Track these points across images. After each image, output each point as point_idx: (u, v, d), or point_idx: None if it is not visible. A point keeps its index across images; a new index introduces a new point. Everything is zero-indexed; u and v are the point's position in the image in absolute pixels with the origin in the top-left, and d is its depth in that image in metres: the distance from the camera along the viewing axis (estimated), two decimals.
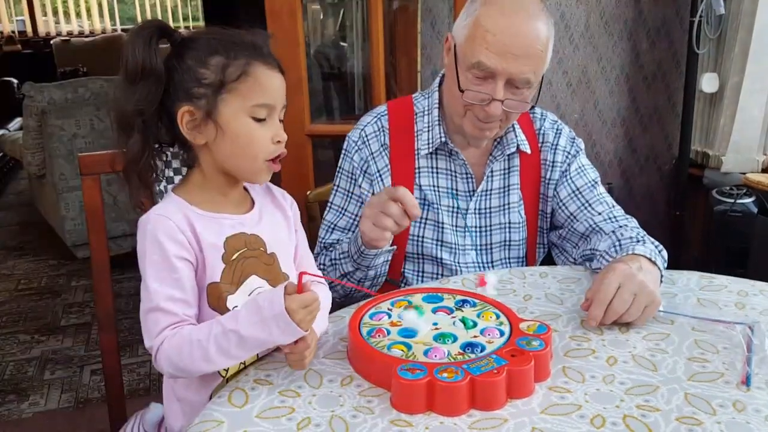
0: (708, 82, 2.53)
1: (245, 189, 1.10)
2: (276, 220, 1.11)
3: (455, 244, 1.41)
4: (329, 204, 1.46)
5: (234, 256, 1.02)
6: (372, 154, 1.41)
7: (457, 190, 1.41)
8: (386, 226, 1.17)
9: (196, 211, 1.01)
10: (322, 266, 1.40)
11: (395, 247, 1.33)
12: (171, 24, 6.96)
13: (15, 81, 6.17)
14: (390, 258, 1.36)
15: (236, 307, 1.00)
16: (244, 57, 0.98)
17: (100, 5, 7.65)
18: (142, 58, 0.95)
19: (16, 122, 5.42)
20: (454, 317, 1.06)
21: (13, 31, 7.22)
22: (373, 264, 1.31)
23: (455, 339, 0.99)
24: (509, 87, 1.26)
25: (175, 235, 0.97)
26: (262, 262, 1.06)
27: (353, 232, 1.41)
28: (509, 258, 1.46)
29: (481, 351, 0.96)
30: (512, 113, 1.30)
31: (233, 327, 0.92)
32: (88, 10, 7.67)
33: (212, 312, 1.00)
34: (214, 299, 1.00)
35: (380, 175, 1.41)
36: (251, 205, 1.09)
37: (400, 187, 1.16)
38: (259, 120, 0.99)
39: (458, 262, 1.41)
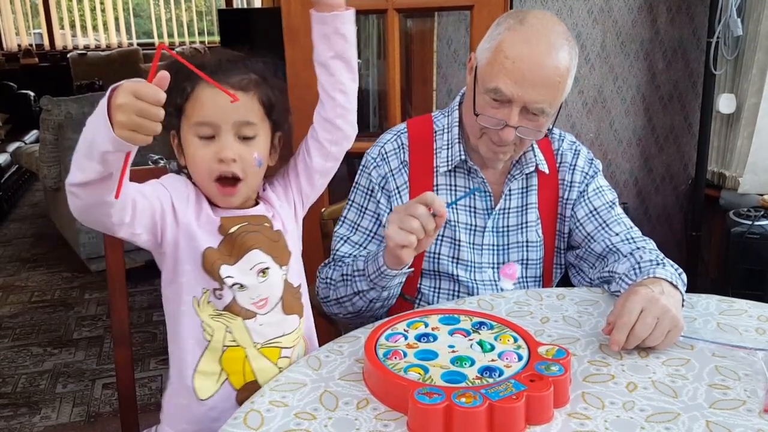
0: (725, 103, 2.52)
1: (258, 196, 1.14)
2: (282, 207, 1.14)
3: (471, 261, 1.41)
4: (342, 218, 1.46)
5: (233, 229, 1.05)
6: (391, 170, 1.41)
7: (475, 207, 1.41)
8: (412, 227, 1.12)
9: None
10: (329, 279, 1.39)
11: (412, 269, 1.32)
12: (186, 39, 6.98)
13: (32, 94, 6.24)
14: (404, 280, 1.36)
15: (229, 276, 1.04)
16: (196, 79, 1.00)
17: (116, 19, 7.74)
18: None
19: (33, 135, 5.49)
20: (471, 340, 1.05)
21: (30, 45, 7.32)
22: (388, 285, 1.30)
23: (473, 362, 0.98)
24: (524, 114, 1.26)
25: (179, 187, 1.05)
26: (266, 236, 1.08)
27: (365, 248, 1.42)
28: (526, 277, 1.45)
29: (500, 375, 0.95)
30: (526, 139, 1.31)
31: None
32: (105, 24, 7.76)
33: (204, 275, 1.04)
34: (208, 264, 1.04)
35: (399, 192, 1.41)
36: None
37: (427, 192, 1.15)
38: (204, 138, 1.01)
39: (475, 280, 1.41)
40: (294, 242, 1.15)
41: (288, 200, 1.17)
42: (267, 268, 1.07)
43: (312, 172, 1.17)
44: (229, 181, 1.03)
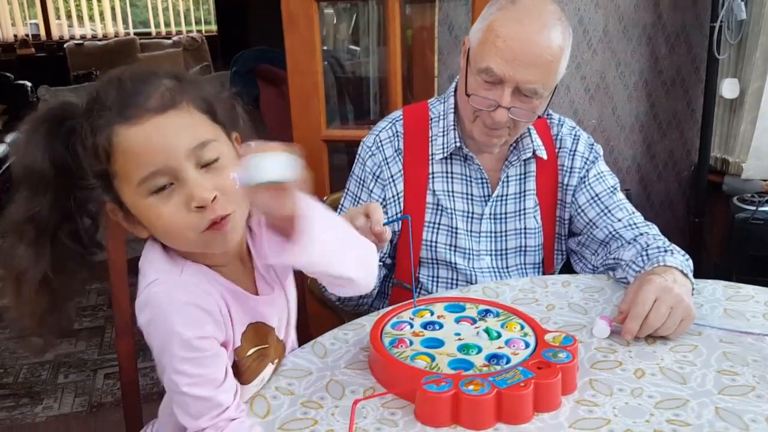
0: (728, 88, 2.50)
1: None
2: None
3: (469, 249, 1.40)
4: (340, 206, 1.46)
5: (250, 352, 0.89)
6: (386, 159, 1.40)
7: (471, 195, 1.40)
8: None
9: (220, 281, 0.85)
10: None
11: (380, 265, 1.32)
12: (183, 28, 6.87)
13: (29, 84, 6.21)
14: (380, 274, 1.35)
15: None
16: (105, 127, 0.75)
17: (113, 9, 7.68)
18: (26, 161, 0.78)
19: None
20: (477, 327, 1.04)
21: (26, 35, 7.26)
22: None
23: (480, 350, 0.98)
24: (517, 95, 1.24)
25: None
26: (276, 351, 0.97)
27: None
28: (525, 264, 1.44)
29: (507, 363, 0.94)
30: (520, 122, 1.28)
31: None
32: (101, 14, 7.71)
33: None
34: None
35: (393, 180, 1.39)
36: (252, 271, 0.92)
37: (372, 203, 1.13)
38: (161, 191, 0.77)
39: (473, 268, 1.40)
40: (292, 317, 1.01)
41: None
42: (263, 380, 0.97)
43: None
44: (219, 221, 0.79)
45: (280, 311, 0.95)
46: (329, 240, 0.80)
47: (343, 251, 0.85)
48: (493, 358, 0.96)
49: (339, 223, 0.86)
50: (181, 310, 0.80)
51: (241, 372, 0.89)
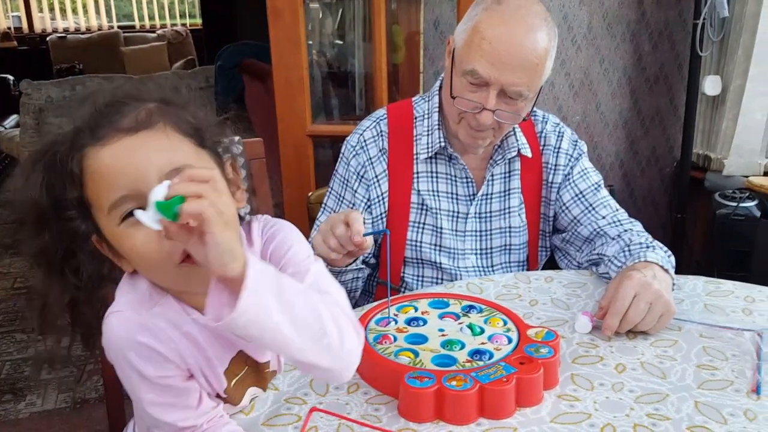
0: (711, 85, 2.52)
1: None
2: None
3: (454, 248, 1.40)
4: (323, 205, 1.45)
5: (233, 382, 0.84)
6: (370, 159, 1.39)
7: (456, 194, 1.40)
8: (330, 245, 1.13)
9: (201, 320, 0.72)
10: None
11: (363, 267, 1.32)
12: (167, 21, 6.80)
13: (11, 78, 6.14)
14: (362, 276, 1.35)
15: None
16: (79, 150, 0.70)
17: (96, 2, 7.61)
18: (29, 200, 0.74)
19: (12, 119, 5.40)
20: (460, 323, 1.05)
21: (8, 27, 7.18)
22: (340, 280, 1.27)
23: (463, 346, 0.98)
24: (502, 97, 1.24)
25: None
26: (261, 373, 0.89)
27: None
28: (510, 262, 1.44)
29: (489, 358, 0.95)
30: (505, 124, 1.28)
31: None
32: (84, 7, 7.63)
33: None
34: None
35: (378, 180, 1.38)
36: None
37: (354, 211, 1.12)
38: (131, 217, 0.69)
39: (458, 267, 1.40)
40: None
41: None
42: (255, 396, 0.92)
43: None
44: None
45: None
46: (276, 320, 0.66)
47: (301, 338, 0.69)
48: (476, 353, 0.96)
49: (303, 304, 0.70)
50: (139, 350, 0.75)
51: (231, 398, 0.85)
